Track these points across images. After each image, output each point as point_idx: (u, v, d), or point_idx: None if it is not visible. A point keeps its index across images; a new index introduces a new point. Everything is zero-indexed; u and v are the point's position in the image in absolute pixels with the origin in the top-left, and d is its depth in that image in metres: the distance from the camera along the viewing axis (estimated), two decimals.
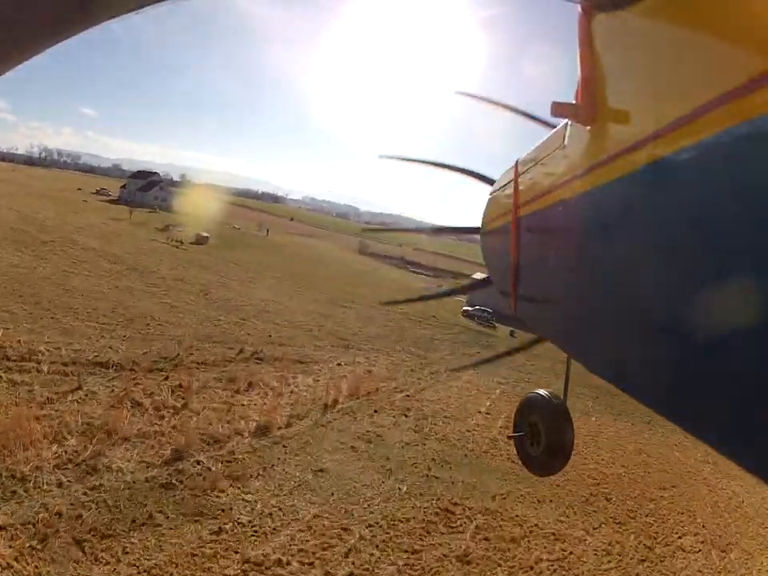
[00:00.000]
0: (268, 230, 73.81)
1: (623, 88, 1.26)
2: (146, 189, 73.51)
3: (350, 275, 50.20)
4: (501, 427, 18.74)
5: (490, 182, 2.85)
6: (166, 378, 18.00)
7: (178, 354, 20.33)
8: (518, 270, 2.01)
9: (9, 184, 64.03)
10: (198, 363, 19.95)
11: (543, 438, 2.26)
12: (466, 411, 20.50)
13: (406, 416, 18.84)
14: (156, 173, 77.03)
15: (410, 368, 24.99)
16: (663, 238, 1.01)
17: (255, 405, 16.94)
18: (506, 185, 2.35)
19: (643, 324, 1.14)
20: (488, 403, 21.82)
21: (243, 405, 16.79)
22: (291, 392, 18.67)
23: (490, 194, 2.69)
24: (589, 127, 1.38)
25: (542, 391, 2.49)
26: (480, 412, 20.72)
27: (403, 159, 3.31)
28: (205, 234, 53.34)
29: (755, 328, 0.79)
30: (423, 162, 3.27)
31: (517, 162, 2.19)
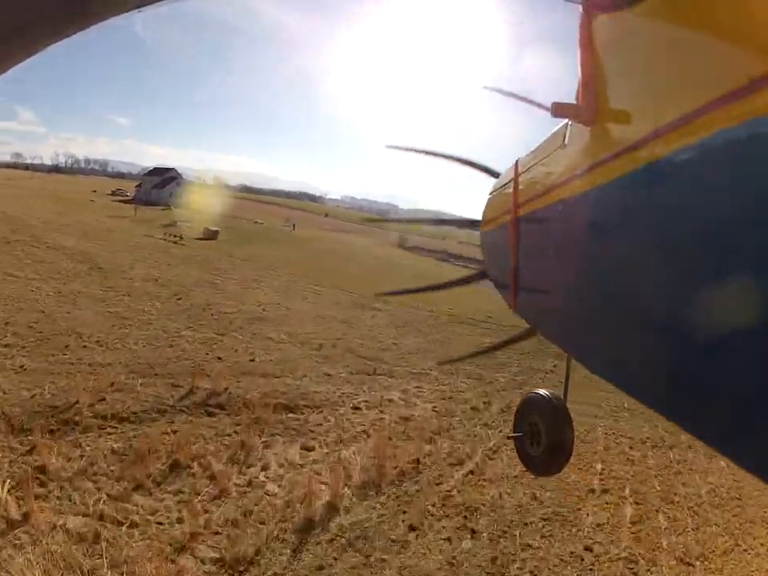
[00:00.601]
0: (294, 225, 65.74)
1: (623, 88, 1.25)
2: (161, 186, 67.35)
3: (384, 271, 41.27)
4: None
5: (495, 174, 2.81)
6: (30, 452, 9.46)
7: (76, 402, 11.78)
8: (517, 267, 1.99)
9: (19, 189, 59.53)
10: (101, 419, 11.30)
11: (543, 438, 2.20)
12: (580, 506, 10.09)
13: (472, 534, 8.92)
14: (173, 168, 70.66)
15: (469, 404, 15.23)
16: (663, 237, 1.00)
17: (133, 538, 7.51)
18: (506, 184, 2.35)
19: (643, 323, 1.13)
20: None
21: (109, 540, 7.33)
22: (243, 491, 9.26)
23: (490, 193, 2.69)
24: (589, 127, 1.38)
25: (542, 391, 2.42)
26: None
27: (409, 150, 3.30)
28: (214, 229, 45.83)
29: (755, 327, 0.78)
30: (429, 153, 3.15)
31: (517, 161, 2.18)
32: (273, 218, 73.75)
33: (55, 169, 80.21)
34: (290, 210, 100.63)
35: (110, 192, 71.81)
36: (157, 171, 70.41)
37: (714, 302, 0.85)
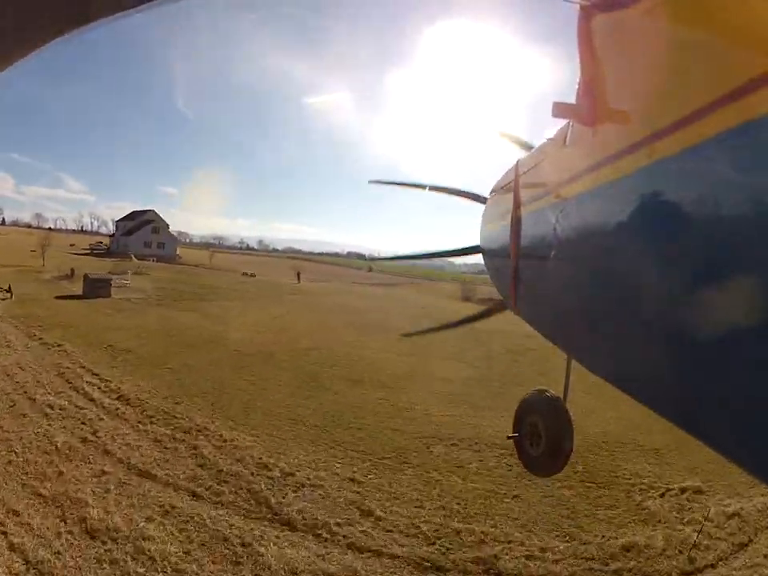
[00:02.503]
0: (299, 274, 45.74)
1: (624, 88, 1.25)
2: (129, 233, 50.52)
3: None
4: None
5: (484, 201, 2.83)
6: None
7: None
8: (517, 268, 1.97)
9: None
10: None
11: (543, 437, 2.19)
12: None
13: None
14: (151, 210, 54.48)
15: None
16: (664, 237, 1.00)
17: None
18: (506, 185, 2.35)
19: (641, 323, 1.13)
20: None
21: None
22: None
23: (491, 193, 2.68)
24: (590, 127, 1.39)
25: (541, 391, 2.38)
26: None
27: (393, 184, 3.47)
28: (125, 281, 26.17)
29: (755, 328, 0.77)
30: (414, 185, 3.22)
31: (517, 162, 2.20)
32: (285, 271, 54.72)
33: (80, 230, 69.41)
34: (330, 266, 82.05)
35: (89, 245, 56.58)
36: (132, 215, 55.22)
37: (712, 303, 0.84)
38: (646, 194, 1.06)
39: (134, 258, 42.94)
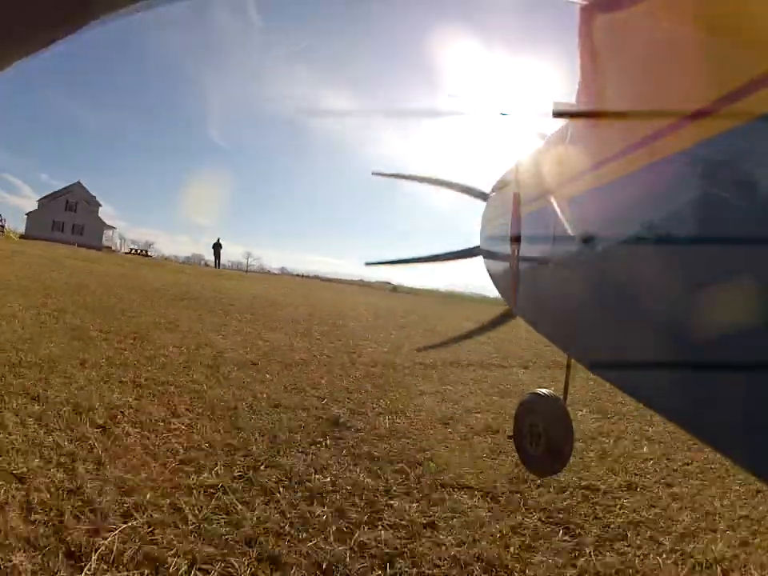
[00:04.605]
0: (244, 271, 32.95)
1: (624, 88, 1.25)
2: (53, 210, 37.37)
3: None
4: None
5: (486, 198, 2.76)
6: None
7: None
8: (517, 269, 1.98)
9: None
10: None
11: (543, 438, 2.12)
12: None
13: None
14: (75, 183, 41.71)
15: None
16: (665, 238, 1.00)
17: None
18: (504, 186, 2.34)
19: (642, 324, 1.12)
20: None
21: None
22: None
23: (490, 194, 2.59)
24: (590, 127, 1.43)
25: (541, 391, 2.28)
26: None
27: (396, 176, 3.18)
28: None
29: (759, 329, 0.76)
30: (416, 178, 2.97)
31: (516, 163, 2.16)
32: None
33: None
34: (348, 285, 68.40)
35: None
36: (54, 194, 42.39)
37: (716, 303, 0.83)
38: (649, 193, 1.03)
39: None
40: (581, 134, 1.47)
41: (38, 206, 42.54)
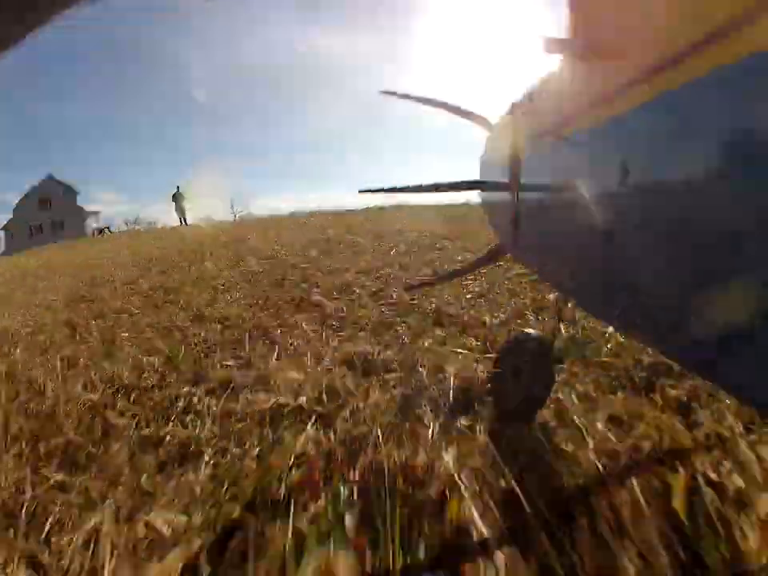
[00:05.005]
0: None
1: (622, 17, 1.15)
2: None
3: None
4: None
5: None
6: None
7: None
8: (516, 212, 1.92)
9: None
10: None
11: (527, 378, 2.04)
12: None
13: None
14: (47, 179, 34.41)
15: None
16: (666, 171, 0.94)
17: None
18: (501, 128, 2.24)
19: (648, 264, 1.06)
20: None
21: None
22: None
23: (486, 138, 2.50)
24: (585, 62, 1.33)
25: (529, 331, 2.25)
26: None
27: (404, 96, 2.80)
28: None
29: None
30: (426, 100, 2.66)
31: (512, 104, 2.00)
32: None
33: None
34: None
35: None
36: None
37: (717, 243, 0.80)
38: (651, 128, 0.98)
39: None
40: (576, 70, 1.39)
41: (13, 215, 35.45)
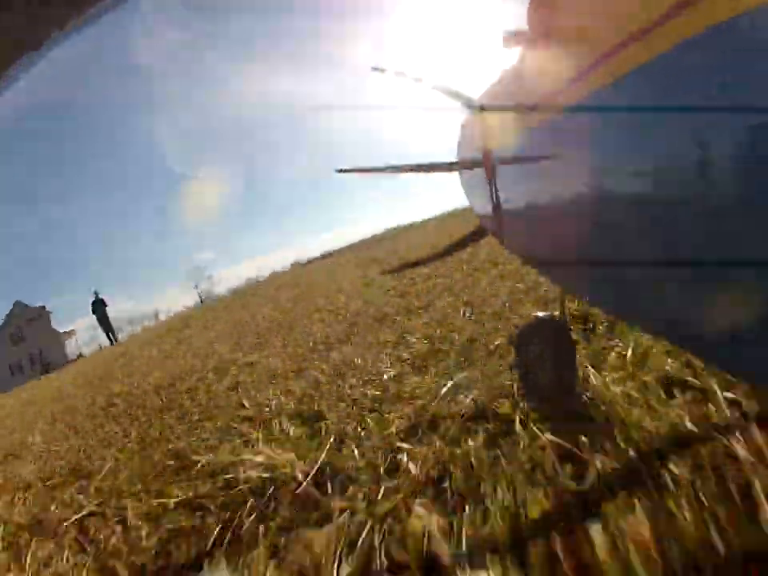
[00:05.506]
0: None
1: (579, 6, 1.25)
2: None
3: None
4: None
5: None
6: None
7: None
8: (497, 199, 2.00)
9: None
10: None
11: (549, 361, 2.04)
12: None
13: None
14: (15, 306, 32.97)
15: None
16: (635, 156, 1.02)
17: None
18: (473, 120, 2.31)
19: (626, 238, 1.12)
20: None
21: None
22: None
23: (461, 127, 2.52)
24: (545, 52, 1.42)
25: (539, 314, 2.27)
26: None
27: (363, 171, 2.90)
28: None
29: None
30: (385, 170, 2.66)
31: (481, 94, 2.14)
32: None
33: None
34: None
35: None
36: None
37: (709, 207, 0.84)
38: (610, 113, 1.05)
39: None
40: (537, 60, 1.46)
41: None
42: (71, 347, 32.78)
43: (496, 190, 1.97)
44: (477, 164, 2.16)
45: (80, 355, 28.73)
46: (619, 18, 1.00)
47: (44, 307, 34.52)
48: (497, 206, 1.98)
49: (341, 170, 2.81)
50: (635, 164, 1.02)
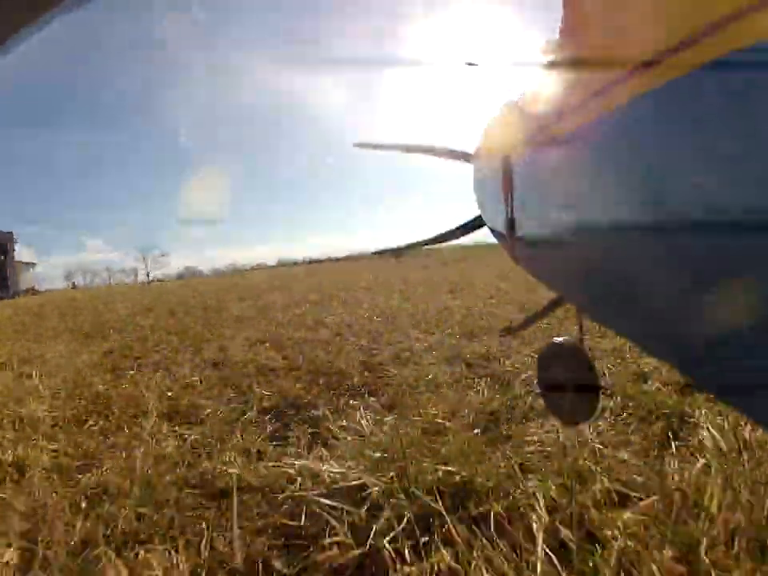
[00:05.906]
0: None
1: (611, 18, 1.14)
2: None
3: None
4: None
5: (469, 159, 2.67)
6: None
7: None
8: (512, 212, 1.94)
9: None
10: None
11: (570, 385, 2.10)
12: None
13: None
14: None
15: None
16: (661, 171, 0.93)
17: None
18: (494, 128, 2.24)
19: (645, 268, 1.05)
20: None
21: None
22: None
23: (482, 135, 2.44)
24: (577, 62, 1.37)
25: (557, 339, 2.30)
26: None
27: (378, 147, 3.05)
28: None
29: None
30: (401, 147, 2.79)
31: (504, 105, 2.07)
32: None
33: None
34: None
35: None
36: None
37: (720, 241, 0.78)
38: (639, 126, 0.97)
39: None
40: (568, 79, 1.42)
41: None
42: (26, 279, 31.63)
43: (512, 204, 1.94)
44: (495, 172, 2.10)
45: (33, 289, 27.73)
46: (657, 29, 0.96)
47: (11, 234, 33.54)
48: (511, 221, 1.96)
49: (358, 144, 2.95)
50: (668, 187, 0.95)
